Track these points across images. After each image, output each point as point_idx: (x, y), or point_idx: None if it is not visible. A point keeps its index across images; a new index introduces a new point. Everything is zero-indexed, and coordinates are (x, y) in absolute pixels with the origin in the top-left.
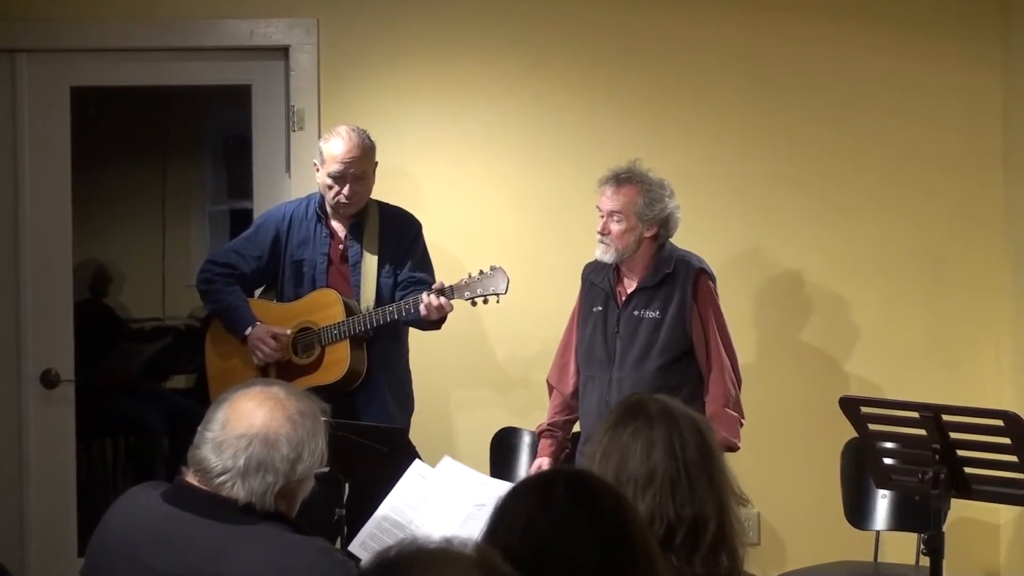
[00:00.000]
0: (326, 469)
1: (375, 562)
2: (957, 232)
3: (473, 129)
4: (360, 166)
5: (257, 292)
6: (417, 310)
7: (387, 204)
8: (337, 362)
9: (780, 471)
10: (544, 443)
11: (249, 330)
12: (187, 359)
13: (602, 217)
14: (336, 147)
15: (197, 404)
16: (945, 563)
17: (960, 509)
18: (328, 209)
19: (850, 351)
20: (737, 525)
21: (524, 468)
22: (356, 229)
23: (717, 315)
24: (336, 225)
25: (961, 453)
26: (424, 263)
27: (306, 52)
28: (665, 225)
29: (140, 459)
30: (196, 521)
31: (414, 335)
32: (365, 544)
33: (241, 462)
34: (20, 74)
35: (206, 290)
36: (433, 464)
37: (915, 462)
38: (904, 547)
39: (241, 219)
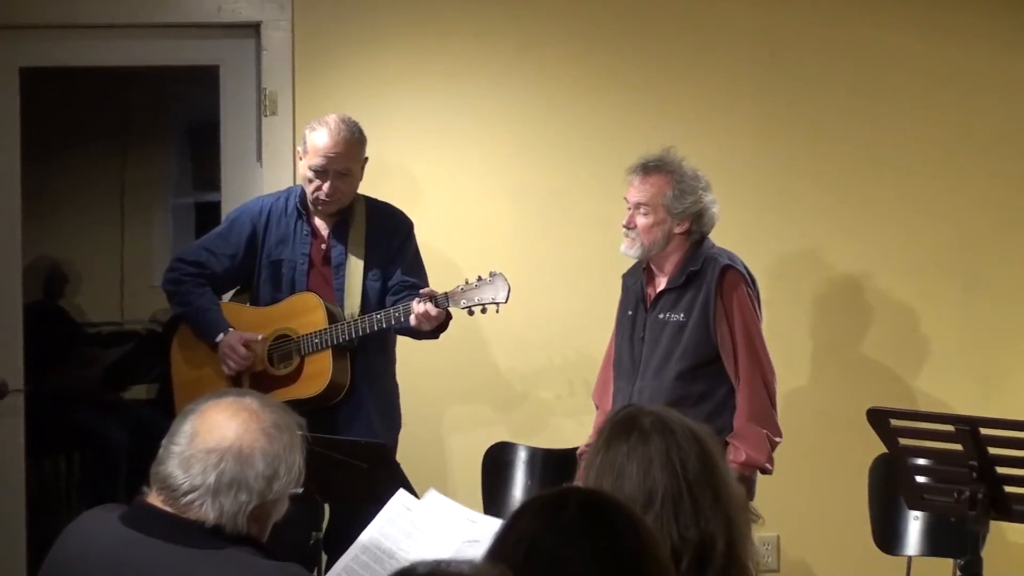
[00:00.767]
0: (300, 490)
1: None
2: (990, 230)
3: (465, 115)
4: (345, 163)
5: (228, 295)
6: (408, 319)
7: (376, 200)
8: (317, 374)
9: (801, 490)
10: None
11: (220, 337)
12: (148, 367)
13: (628, 209)
14: (320, 138)
15: (160, 416)
16: None
17: (1000, 532)
18: (310, 205)
19: (877, 357)
20: (748, 543)
21: (519, 488)
22: (340, 227)
23: (747, 318)
24: (318, 223)
25: (1001, 470)
26: (416, 266)
27: (279, 29)
28: (698, 220)
29: (98, 476)
30: (158, 546)
31: (402, 343)
32: None
33: (211, 479)
34: None
35: (174, 291)
36: (419, 492)
37: (950, 480)
38: (938, 574)
39: (207, 213)
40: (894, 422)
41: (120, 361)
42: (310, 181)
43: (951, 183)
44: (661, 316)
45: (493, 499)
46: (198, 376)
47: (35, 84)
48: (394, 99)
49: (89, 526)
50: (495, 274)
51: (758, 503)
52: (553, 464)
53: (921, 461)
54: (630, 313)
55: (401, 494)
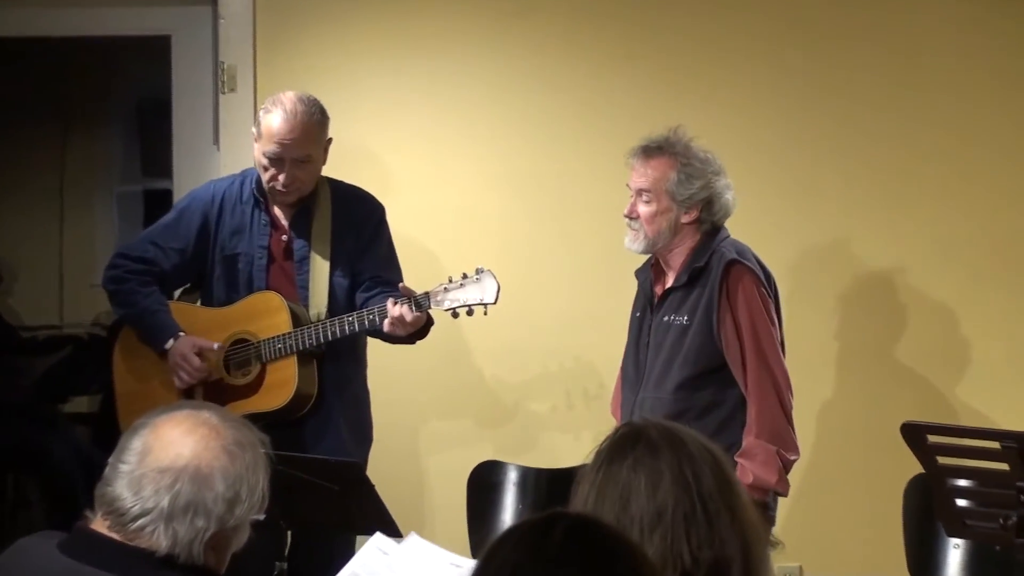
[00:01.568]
0: (263, 516)
1: None
2: None
3: (447, 92)
4: (303, 149)
5: (177, 293)
6: (384, 322)
7: (342, 184)
8: (281, 384)
9: (825, 515)
10: None
11: (170, 343)
12: (91, 376)
13: (631, 197)
14: (275, 121)
15: (105, 432)
16: None
17: None
18: (267, 192)
19: (912, 364)
20: (766, 569)
21: (509, 513)
22: (303, 216)
23: (755, 317)
24: (278, 211)
25: None
26: (390, 259)
27: None
28: (709, 208)
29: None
30: None
31: (373, 346)
32: None
33: (165, 502)
34: None
35: (116, 291)
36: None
37: (996, 504)
38: None
39: (158, 202)
40: (932, 438)
41: (57, 369)
42: (265, 168)
43: (994, 177)
44: (666, 318)
45: (479, 525)
46: (144, 388)
47: None
48: (368, 74)
49: (20, 557)
50: (482, 271)
51: (779, 528)
52: (549, 486)
53: (962, 482)
54: (638, 315)
55: (378, 537)
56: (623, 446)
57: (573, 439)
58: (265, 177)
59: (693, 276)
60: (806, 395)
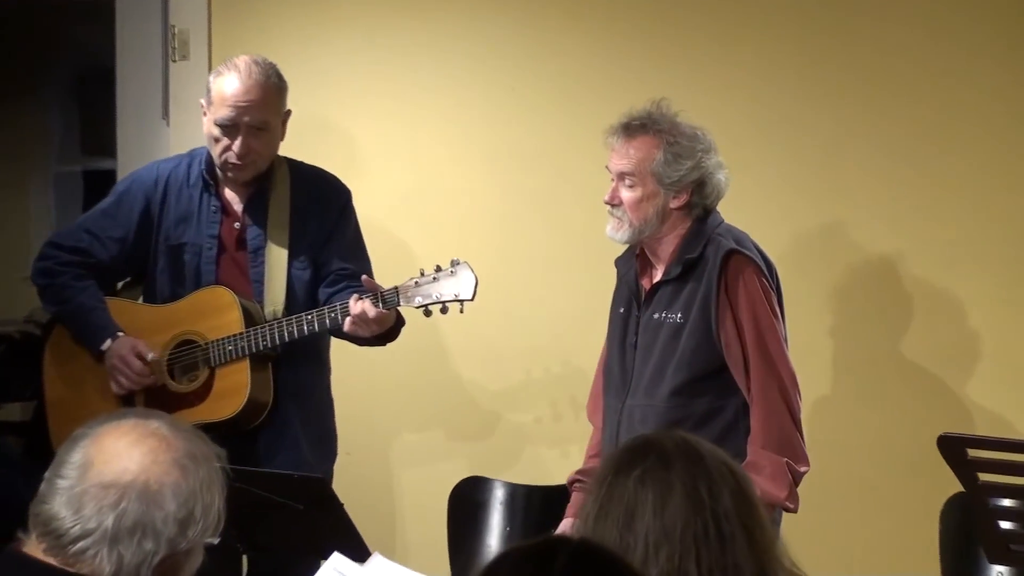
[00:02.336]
0: (216, 540)
1: None
2: None
3: (422, 62)
4: (260, 113)
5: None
6: (347, 317)
7: (302, 164)
8: (233, 390)
9: (853, 537)
10: (575, 498)
11: (107, 343)
12: (22, 380)
13: (612, 181)
14: (229, 84)
15: (37, 444)
16: None
17: None
18: (218, 171)
19: (950, 370)
20: None
21: (495, 535)
22: (258, 201)
23: (758, 313)
24: (230, 195)
25: None
26: (357, 250)
27: None
28: (700, 190)
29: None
30: None
31: (337, 349)
32: None
33: (109, 522)
34: None
35: (47, 285)
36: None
37: None
38: None
39: (100, 184)
40: (972, 452)
41: None
42: (216, 140)
43: (1005, 161)
44: (656, 316)
45: (461, 549)
46: (78, 395)
47: None
48: (336, 41)
49: None
50: (458, 263)
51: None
52: (539, 504)
53: (1007, 502)
54: (621, 311)
55: (336, 559)
56: (633, 457)
57: (560, 454)
58: (216, 150)
59: (686, 268)
60: (837, 407)
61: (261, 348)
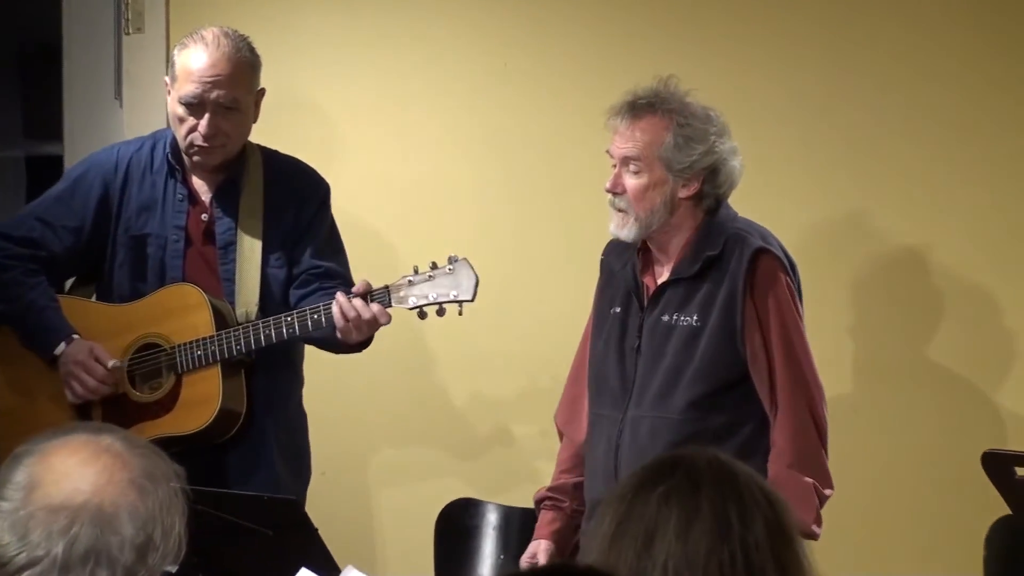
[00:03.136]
0: (174, 568)
1: None
2: None
3: (411, 36)
4: (229, 90)
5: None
6: (330, 323)
7: (276, 153)
8: (202, 400)
9: (890, 563)
10: (544, 517)
11: (61, 347)
12: None
13: (614, 167)
14: (195, 58)
15: None
16: None
17: None
18: (184, 155)
19: (998, 377)
20: None
21: (487, 564)
22: (228, 190)
23: (788, 324)
24: (198, 183)
25: None
26: (333, 248)
27: None
28: (712, 179)
29: None
30: None
31: (310, 359)
32: None
33: (59, 549)
34: None
35: None
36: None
37: None
38: None
39: (45, 171)
40: (1021, 471)
41: None
42: (181, 120)
43: None
44: (665, 318)
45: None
46: (26, 405)
47: None
48: (310, 15)
49: None
50: (456, 260)
51: None
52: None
53: None
54: (617, 311)
55: (303, 574)
56: (658, 473)
57: None
58: (181, 131)
59: (704, 266)
60: (870, 418)
61: (235, 353)
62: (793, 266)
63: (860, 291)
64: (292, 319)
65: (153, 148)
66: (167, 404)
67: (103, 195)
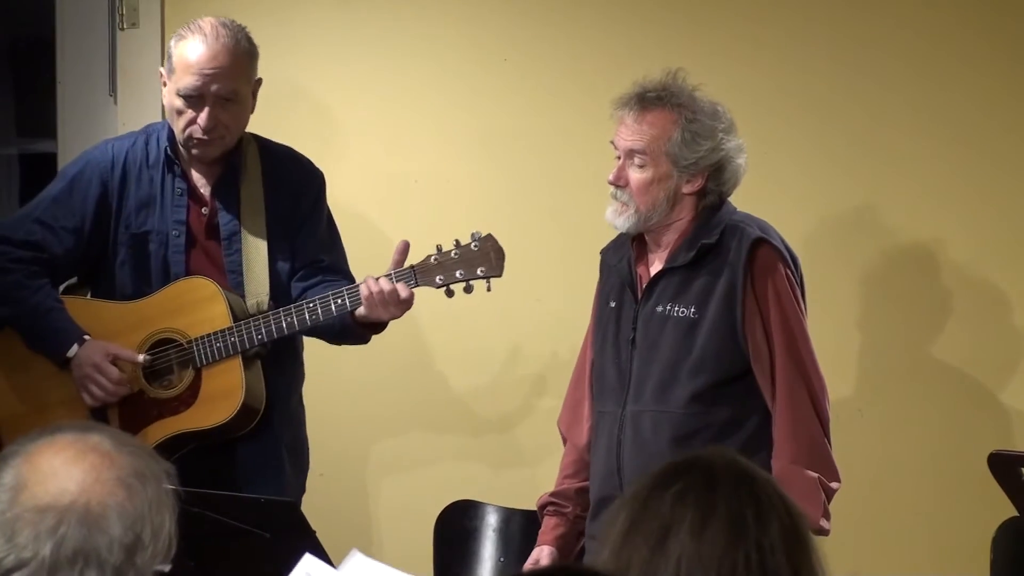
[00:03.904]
0: (168, 568)
1: None
2: None
3: (410, 28)
4: (228, 82)
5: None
6: (355, 307)
7: (271, 142)
8: (225, 393)
9: (895, 564)
10: (548, 523)
11: (74, 349)
12: None
13: (617, 159)
14: (193, 49)
15: None
16: None
17: None
18: (181, 148)
19: (1004, 377)
20: None
21: (488, 566)
22: (228, 182)
23: (788, 313)
24: (196, 177)
25: None
26: (332, 240)
27: None
28: (717, 176)
29: None
30: None
31: (306, 358)
32: None
33: (47, 550)
34: None
35: None
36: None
37: None
38: None
39: (39, 169)
40: None
41: None
42: (179, 113)
43: None
44: (660, 309)
45: None
46: (36, 410)
47: None
48: (308, 5)
49: None
50: (480, 236)
51: None
52: (536, 532)
53: None
54: (613, 305)
55: (307, 560)
56: (675, 472)
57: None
58: (180, 124)
59: (699, 255)
60: (878, 417)
61: (255, 343)
62: (795, 260)
63: (864, 290)
64: (315, 305)
65: (147, 143)
66: (187, 400)
67: (102, 193)
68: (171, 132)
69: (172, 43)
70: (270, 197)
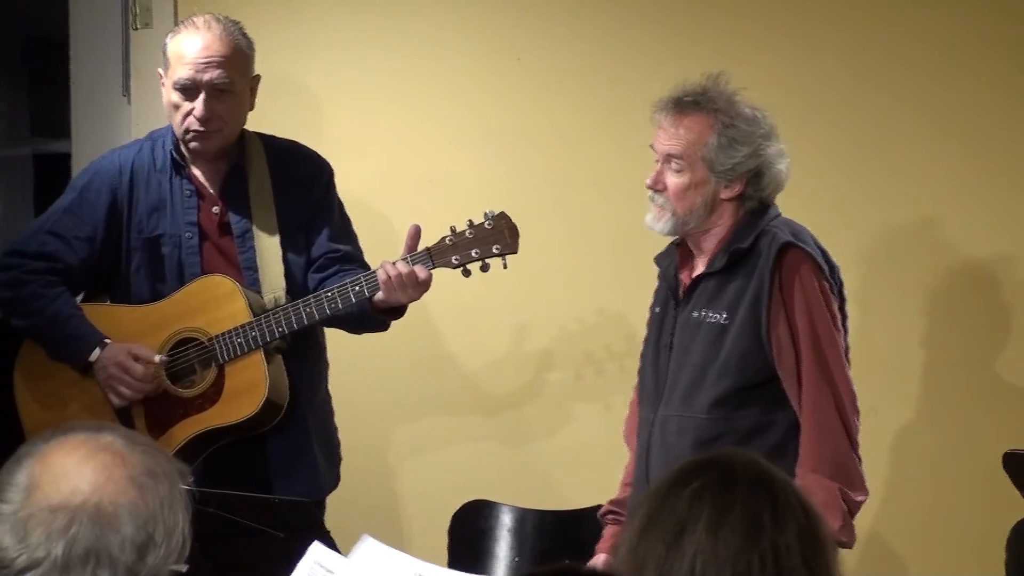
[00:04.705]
0: (183, 568)
1: None
2: None
3: (418, 26)
4: (224, 71)
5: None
6: (373, 293)
7: (274, 138)
8: (249, 387)
9: (910, 565)
10: (607, 532)
11: (96, 353)
12: None
13: (657, 162)
14: (186, 42)
15: None
16: None
17: None
18: (186, 151)
19: (1019, 376)
20: None
21: (502, 565)
22: (235, 179)
23: (815, 319)
24: (203, 177)
25: None
26: (345, 229)
27: None
28: (756, 181)
29: None
30: None
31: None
32: None
33: (59, 550)
34: None
35: (14, 298)
36: (346, 548)
37: None
38: None
39: (53, 169)
40: None
41: None
42: (176, 107)
43: None
44: (695, 314)
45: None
46: (61, 419)
47: None
48: (320, 6)
49: None
50: (494, 214)
51: None
52: (551, 532)
53: None
54: (658, 310)
55: (316, 549)
56: (694, 471)
57: (576, 476)
58: (177, 118)
59: (733, 260)
60: (880, 418)
61: (276, 336)
62: (833, 268)
63: (876, 287)
64: (333, 294)
65: (153, 148)
66: (212, 396)
67: (112, 201)
68: (175, 135)
69: (167, 41)
70: (279, 192)
